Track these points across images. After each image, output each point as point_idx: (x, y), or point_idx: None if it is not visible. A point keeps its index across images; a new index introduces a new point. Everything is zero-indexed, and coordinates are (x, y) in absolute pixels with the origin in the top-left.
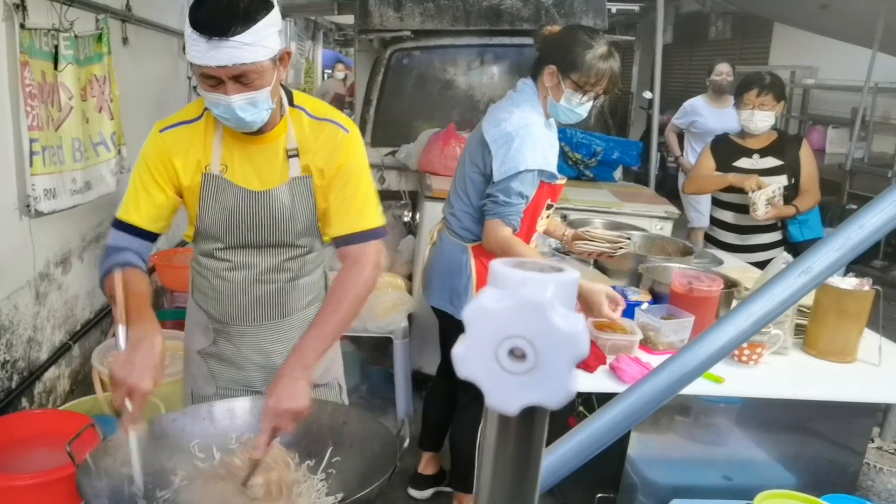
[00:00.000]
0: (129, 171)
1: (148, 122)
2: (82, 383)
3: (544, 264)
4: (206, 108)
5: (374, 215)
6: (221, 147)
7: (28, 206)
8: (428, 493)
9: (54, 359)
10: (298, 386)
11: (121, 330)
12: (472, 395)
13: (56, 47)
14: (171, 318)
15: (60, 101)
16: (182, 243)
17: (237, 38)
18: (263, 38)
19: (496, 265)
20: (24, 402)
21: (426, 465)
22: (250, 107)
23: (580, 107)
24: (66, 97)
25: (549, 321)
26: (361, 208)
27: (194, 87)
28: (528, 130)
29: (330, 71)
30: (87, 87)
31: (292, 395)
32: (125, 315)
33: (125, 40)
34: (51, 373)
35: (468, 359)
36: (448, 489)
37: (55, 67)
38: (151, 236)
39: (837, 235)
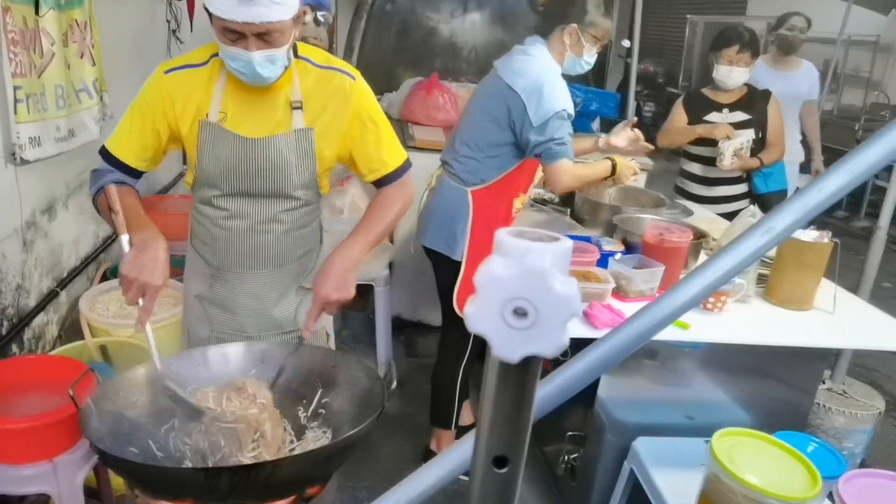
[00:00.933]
0: (111, 117)
1: (128, 68)
2: (69, 329)
3: (542, 234)
4: (213, 55)
5: (398, 153)
6: (223, 95)
7: (14, 154)
8: None
9: (42, 305)
10: (348, 277)
11: (124, 238)
12: (453, 337)
13: None
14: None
15: (42, 48)
16: (164, 190)
17: None
18: None
19: (502, 235)
20: (15, 348)
21: (437, 443)
22: (269, 63)
23: (592, 58)
24: (47, 43)
25: (548, 285)
26: (387, 150)
27: (173, 31)
28: (554, 77)
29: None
30: (69, 32)
31: (342, 286)
32: (126, 224)
33: None
34: (39, 319)
35: (479, 316)
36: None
37: (36, 12)
38: (136, 173)
39: (799, 197)
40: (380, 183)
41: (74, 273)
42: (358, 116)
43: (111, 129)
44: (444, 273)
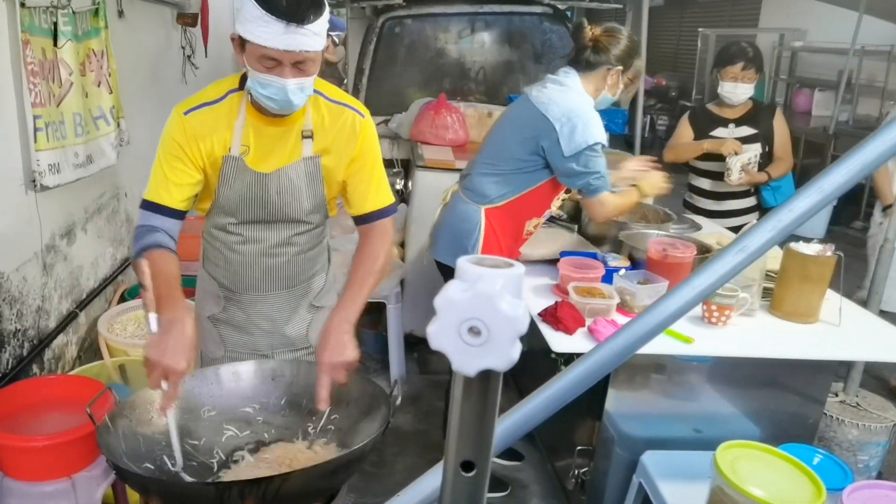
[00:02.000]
0: (128, 143)
1: (145, 94)
2: (89, 349)
3: (500, 261)
4: (229, 91)
5: (388, 193)
6: (243, 129)
7: (34, 181)
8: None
9: (62, 327)
10: (345, 340)
11: (152, 317)
12: None
13: (55, 24)
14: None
15: (61, 78)
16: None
17: (309, 26)
18: (324, 28)
19: (462, 263)
20: (35, 368)
21: None
22: (300, 91)
23: (618, 97)
24: (66, 73)
25: (497, 308)
26: (378, 187)
27: (188, 57)
28: (588, 109)
29: None
30: (86, 62)
31: (343, 349)
32: (155, 300)
33: (121, 13)
34: (59, 340)
35: (438, 335)
36: (500, 461)
37: (55, 44)
38: (180, 214)
39: (770, 219)
40: (360, 219)
41: (93, 295)
42: (362, 153)
43: (128, 155)
44: None
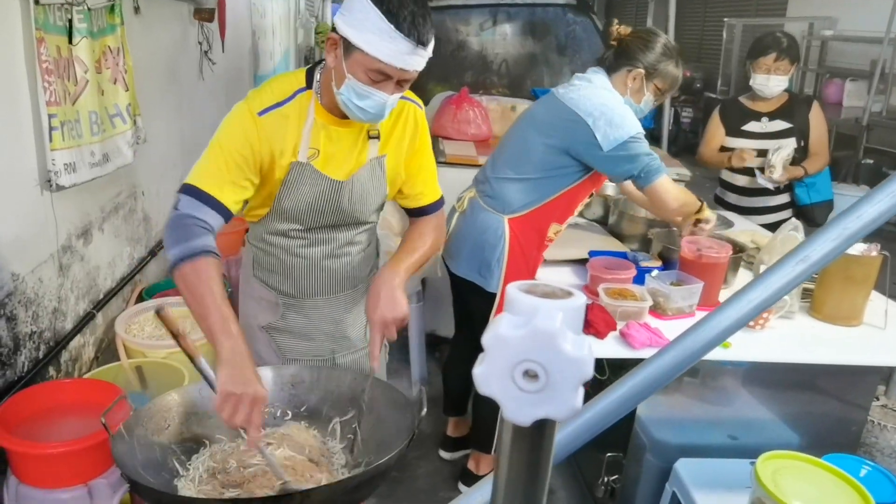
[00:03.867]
0: (145, 141)
1: (161, 91)
2: (106, 350)
3: (555, 289)
4: (296, 91)
5: (437, 188)
6: (311, 132)
7: (49, 180)
8: (458, 454)
9: (79, 328)
10: (397, 295)
11: (203, 364)
12: None
13: (70, 21)
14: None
15: (76, 75)
16: None
17: (427, 48)
18: None
19: (511, 291)
20: (52, 370)
21: (454, 428)
22: (392, 105)
23: (648, 107)
24: (81, 71)
25: (558, 348)
26: (432, 182)
27: (205, 53)
28: (620, 103)
29: None
30: (102, 59)
31: (395, 305)
32: (205, 327)
33: (137, 9)
34: (76, 342)
35: (488, 379)
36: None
37: (70, 42)
38: (229, 215)
39: (835, 226)
40: (416, 212)
41: (110, 295)
42: (422, 147)
43: (145, 153)
44: (478, 304)
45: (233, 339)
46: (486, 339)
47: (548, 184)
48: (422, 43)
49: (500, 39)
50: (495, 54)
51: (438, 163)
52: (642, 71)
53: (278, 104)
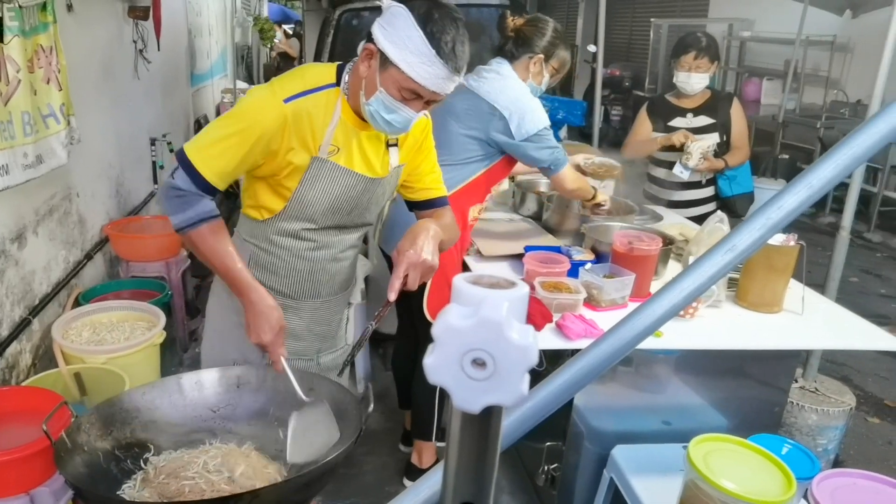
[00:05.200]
0: (79, 141)
1: (96, 90)
2: (43, 357)
3: (499, 279)
4: (326, 85)
5: (442, 183)
6: (335, 129)
7: None
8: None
9: (15, 335)
10: (433, 248)
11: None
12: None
13: (0, 19)
14: (128, 287)
15: (8, 75)
16: (135, 211)
17: (461, 74)
18: None
19: (458, 282)
20: None
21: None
22: (415, 121)
23: (545, 86)
24: (13, 70)
25: (505, 337)
26: (438, 177)
27: (140, 51)
28: (531, 97)
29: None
30: (34, 58)
31: (429, 253)
32: (229, 283)
33: (70, 7)
34: (12, 349)
35: (438, 368)
36: (440, 444)
37: (0, 40)
38: (213, 191)
39: (758, 216)
40: (424, 205)
41: (46, 300)
42: (429, 143)
43: (80, 154)
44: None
45: (250, 293)
46: (437, 329)
47: (467, 168)
48: (458, 70)
49: None
50: None
51: None
52: (541, 55)
53: (306, 92)
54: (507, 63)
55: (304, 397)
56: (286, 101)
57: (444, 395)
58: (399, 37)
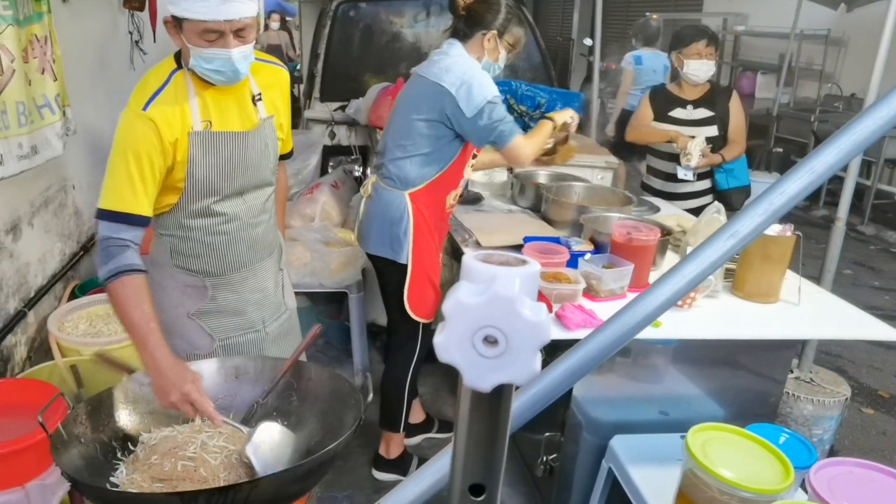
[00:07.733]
0: (74, 132)
1: (91, 81)
2: (39, 350)
3: (509, 257)
4: (172, 72)
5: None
6: (198, 105)
7: None
8: (418, 439)
9: (10, 327)
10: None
11: (138, 376)
12: (402, 339)
13: None
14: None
15: (2, 65)
16: None
17: None
18: None
19: (468, 260)
20: None
21: (412, 414)
22: (244, 59)
23: (503, 63)
24: (7, 60)
25: (518, 313)
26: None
27: (136, 42)
28: (478, 70)
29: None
30: (28, 48)
31: None
32: (134, 339)
33: None
34: (7, 341)
35: (448, 346)
36: (439, 435)
37: None
38: (148, 221)
39: (760, 202)
40: (287, 156)
41: (42, 292)
42: (289, 102)
43: (75, 145)
44: (391, 276)
45: (156, 350)
46: (447, 306)
47: (437, 155)
48: None
49: (434, 31)
50: (429, 45)
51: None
52: (495, 32)
53: (156, 92)
54: (459, 43)
55: (247, 428)
56: (144, 108)
57: (413, 384)
58: None
